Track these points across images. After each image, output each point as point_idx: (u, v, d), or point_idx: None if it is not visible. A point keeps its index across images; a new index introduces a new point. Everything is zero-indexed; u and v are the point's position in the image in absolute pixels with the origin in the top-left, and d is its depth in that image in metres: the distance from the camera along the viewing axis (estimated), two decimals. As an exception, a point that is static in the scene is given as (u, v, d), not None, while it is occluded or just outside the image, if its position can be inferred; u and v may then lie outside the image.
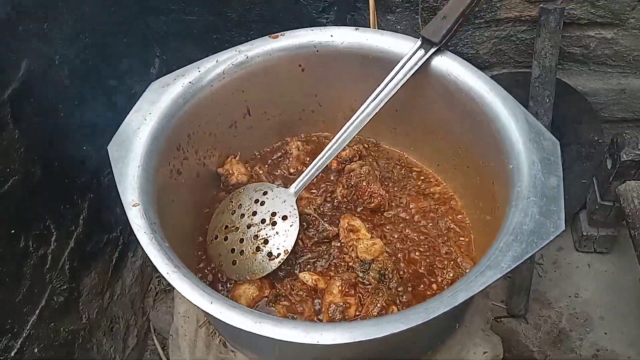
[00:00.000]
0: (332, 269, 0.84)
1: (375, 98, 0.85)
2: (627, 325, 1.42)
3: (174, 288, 0.60)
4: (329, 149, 0.84)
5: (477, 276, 0.59)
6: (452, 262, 0.83)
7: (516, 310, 1.44)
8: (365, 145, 1.01)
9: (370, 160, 0.97)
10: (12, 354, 0.95)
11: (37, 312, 1.01)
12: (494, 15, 1.30)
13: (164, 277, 0.60)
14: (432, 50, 0.84)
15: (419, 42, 0.85)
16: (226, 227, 0.86)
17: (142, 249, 0.65)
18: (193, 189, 0.87)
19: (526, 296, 1.43)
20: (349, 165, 0.95)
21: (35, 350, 1.01)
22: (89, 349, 1.18)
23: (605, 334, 1.42)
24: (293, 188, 0.85)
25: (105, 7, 1.14)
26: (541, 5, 1.25)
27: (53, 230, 1.04)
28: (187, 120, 0.82)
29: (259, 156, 0.99)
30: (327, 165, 0.94)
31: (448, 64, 0.84)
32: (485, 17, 1.31)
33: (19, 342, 0.96)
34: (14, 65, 0.92)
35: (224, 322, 0.59)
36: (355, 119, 0.85)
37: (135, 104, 0.78)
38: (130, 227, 1.25)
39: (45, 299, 1.03)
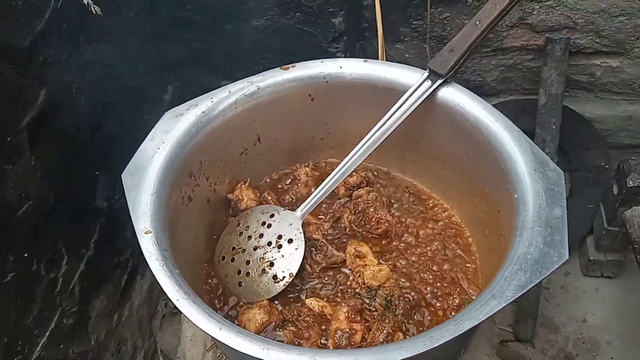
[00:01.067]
0: (339, 295, 0.85)
1: (382, 126, 0.87)
2: (634, 351, 1.41)
3: (182, 314, 0.61)
4: (336, 174, 0.86)
5: (482, 305, 0.60)
6: (458, 289, 0.84)
7: (523, 335, 1.44)
8: (374, 172, 1.03)
9: (378, 186, 0.99)
10: (23, 375, 0.96)
11: (47, 334, 1.03)
12: (500, 44, 1.32)
13: (173, 304, 0.62)
14: (439, 81, 0.86)
15: (426, 74, 0.87)
16: (233, 248, 0.88)
17: (153, 274, 0.66)
18: (203, 214, 0.89)
19: (533, 321, 1.42)
20: (356, 192, 0.96)
21: (45, 372, 1.02)
22: (98, 371, 1.19)
23: (612, 359, 1.41)
24: (299, 211, 0.87)
25: (121, 37, 1.18)
26: (547, 35, 1.28)
27: (65, 254, 1.06)
28: (199, 149, 0.84)
29: (268, 182, 1.01)
30: (335, 192, 0.96)
31: (454, 95, 0.86)
32: (492, 46, 1.33)
33: (30, 364, 0.98)
34: (33, 93, 0.95)
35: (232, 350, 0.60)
36: (363, 146, 0.87)
37: (149, 132, 0.80)
38: (140, 250, 1.28)
39: (55, 321, 1.05)
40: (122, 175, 0.76)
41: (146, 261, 1.22)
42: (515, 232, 0.68)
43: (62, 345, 1.07)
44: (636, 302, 1.49)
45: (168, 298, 0.62)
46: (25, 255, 0.96)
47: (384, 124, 0.87)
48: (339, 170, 0.87)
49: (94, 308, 1.17)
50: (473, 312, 0.60)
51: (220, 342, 0.58)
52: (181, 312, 0.61)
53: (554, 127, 1.29)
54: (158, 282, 0.63)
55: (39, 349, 1.00)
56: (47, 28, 0.97)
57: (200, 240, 0.89)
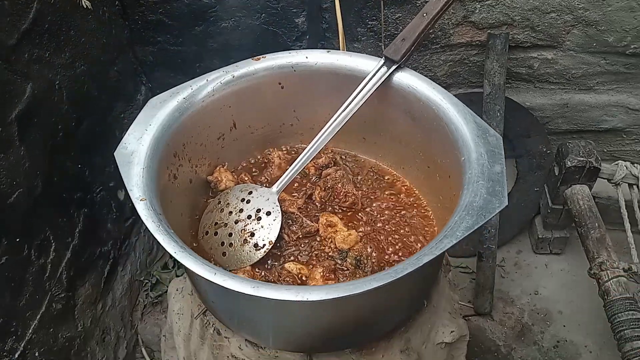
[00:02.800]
0: (314, 259, 0.94)
1: (345, 109, 0.97)
2: (583, 318, 1.55)
3: (182, 266, 0.69)
4: (306, 153, 0.96)
5: (436, 243, 0.71)
6: (419, 246, 0.95)
7: (482, 309, 1.56)
8: (341, 156, 1.13)
9: (344, 166, 1.09)
10: (16, 355, 1.01)
11: (38, 317, 1.08)
12: (447, 40, 1.46)
13: (172, 257, 0.70)
14: (393, 67, 0.98)
15: (382, 61, 0.98)
16: (216, 223, 0.96)
17: (155, 238, 0.73)
18: (187, 193, 0.97)
19: (490, 295, 1.55)
20: (325, 171, 1.07)
21: (36, 354, 1.07)
22: (84, 357, 1.24)
23: (564, 326, 1.55)
24: (275, 187, 0.96)
25: (99, 37, 1.26)
26: (489, 31, 1.43)
27: (52, 241, 1.13)
28: (181, 132, 0.92)
29: (244, 166, 1.10)
30: (306, 172, 1.06)
31: (407, 79, 0.97)
32: (440, 43, 1.47)
33: (22, 345, 1.03)
34: (21, 88, 1.02)
35: (224, 296, 0.69)
36: (328, 127, 0.97)
37: (135, 117, 0.88)
38: (121, 242, 1.35)
39: (45, 305, 1.11)
40: (114, 153, 0.83)
41: (128, 254, 1.30)
42: (463, 187, 0.80)
43: (51, 330, 1.12)
44: (582, 275, 1.62)
45: (166, 251, 0.70)
46: (17, 240, 1.02)
47: (346, 107, 0.97)
48: (309, 149, 0.96)
49: (79, 295, 1.23)
50: (430, 249, 0.70)
51: (216, 285, 0.67)
52: (180, 263, 0.69)
53: (498, 114, 1.43)
54: (156, 240, 0.71)
55: (30, 331, 1.06)
56: (32, 27, 1.04)
57: (184, 218, 0.97)
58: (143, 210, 0.75)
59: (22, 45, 1.02)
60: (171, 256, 0.72)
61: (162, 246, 0.71)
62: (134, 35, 1.39)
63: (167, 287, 1.49)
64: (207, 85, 0.96)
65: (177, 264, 1.56)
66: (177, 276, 1.52)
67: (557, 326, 1.55)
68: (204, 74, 1.43)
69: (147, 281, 1.51)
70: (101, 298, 1.32)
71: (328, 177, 1.05)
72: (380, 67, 0.98)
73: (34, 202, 1.06)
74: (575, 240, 1.64)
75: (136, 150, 0.84)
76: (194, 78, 1.47)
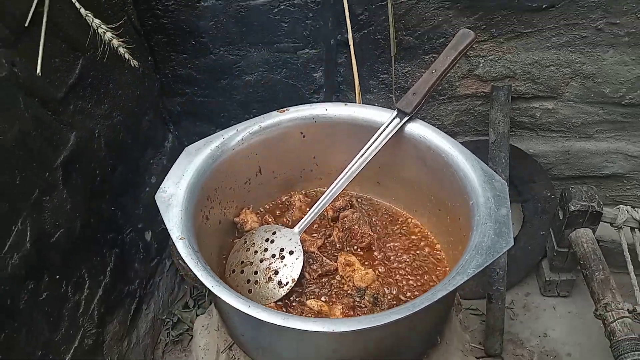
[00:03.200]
0: (334, 296, 1.01)
1: (361, 157, 1.06)
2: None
3: (217, 299, 0.76)
4: (325, 197, 1.04)
5: (449, 280, 0.77)
6: (432, 286, 1.01)
7: (492, 350, 1.60)
8: (357, 199, 1.21)
9: (360, 208, 1.17)
10: (51, 388, 1.07)
11: (71, 351, 1.15)
12: (454, 92, 1.57)
13: (209, 290, 0.77)
14: (406, 118, 1.07)
15: (394, 113, 1.08)
16: (242, 262, 1.03)
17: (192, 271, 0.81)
18: (216, 234, 1.05)
19: (500, 336, 1.59)
20: (342, 213, 1.14)
21: (68, 387, 1.13)
22: (110, 393, 1.29)
23: (573, 368, 1.58)
24: (297, 228, 1.04)
25: (133, 90, 1.37)
26: (492, 83, 1.53)
27: (87, 279, 1.20)
28: (214, 177, 1.01)
29: (267, 208, 1.18)
30: (324, 214, 1.14)
31: (419, 129, 1.06)
32: (447, 94, 1.57)
33: (56, 378, 1.09)
34: (66, 137, 1.12)
35: (254, 328, 0.76)
36: (346, 173, 1.05)
37: (163, 163, 0.97)
38: (146, 282, 1.41)
39: (78, 340, 1.17)
40: (155, 196, 0.92)
41: (152, 292, 1.37)
42: (472, 229, 0.87)
43: (82, 364, 1.18)
44: (590, 317, 1.66)
45: (204, 286, 0.77)
46: (57, 277, 1.09)
47: (362, 155, 1.06)
48: (328, 193, 1.05)
49: (108, 332, 1.29)
50: (443, 285, 0.77)
51: (248, 317, 0.74)
52: (216, 296, 0.76)
53: (503, 160, 1.52)
54: (194, 274, 0.79)
55: (64, 364, 1.12)
56: (77, 82, 1.15)
57: (213, 257, 1.04)
58: (182, 248, 0.83)
59: (69, 98, 1.13)
60: (207, 291, 0.79)
61: (201, 281, 0.79)
62: (164, 88, 1.50)
63: (188, 325, 1.56)
64: (237, 135, 1.06)
65: (198, 304, 1.62)
66: (198, 315, 1.58)
67: (566, 368, 1.59)
68: (227, 123, 1.54)
69: (168, 320, 1.57)
70: (127, 335, 1.38)
71: (345, 219, 1.12)
72: (394, 118, 1.07)
73: (72, 242, 1.14)
74: (582, 283, 1.69)
75: (174, 193, 0.92)
76: (218, 127, 1.59)
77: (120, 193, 1.33)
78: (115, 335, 1.32)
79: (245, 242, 1.07)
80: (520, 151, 1.64)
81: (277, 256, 1.02)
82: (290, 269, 1.00)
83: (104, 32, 0.90)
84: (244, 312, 0.74)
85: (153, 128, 1.49)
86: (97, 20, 0.91)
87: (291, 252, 1.02)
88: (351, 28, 1.29)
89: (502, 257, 1.55)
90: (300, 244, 1.03)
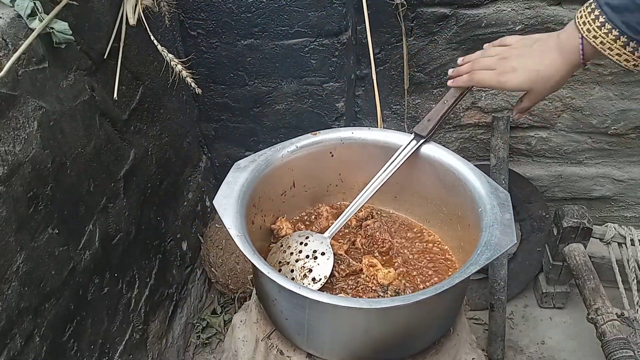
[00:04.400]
0: (360, 292, 1.17)
1: (382, 174, 1.23)
2: (585, 365, 1.74)
3: (268, 286, 0.92)
4: (352, 207, 1.20)
5: (464, 269, 0.94)
6: (445, 285, 1.17)
7: (495, 356, 1.74)
8: (377, 211, 1.38)
9: (380, 218, 1.34)
10: (105, 375, 1.21)
11: (123, 343, 1.29)
12: (459, 121, 1.76)
13: (268, 277, 0.93)
14: (422, 141, 1.25)
15: (412, 136, 1.26)
16: (280, 262, 1.19)
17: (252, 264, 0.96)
18: (258, 237, 1.21)
19: (502, 343, 1.74)
20: (365, 222, 1.31)
21: (120, 376, 1.27)
22: (151, 385, 1.42)
23: (569, 372, 1.73)
24: (327, 233, 1.20)
25: (178, 115, 1.55)
26: (493, 114, 1.72)
27: (137, 279, 1.35)
28: (258, 187, 1.18)
29: (299, 217, 1.35)
30: (348, 223, 1.31)
31: (433, 150, 1.24)
32: (452, 123, 1.76)
33: (112, 365, 1.23)
34: (127, 153, 1.30)
35: (301, 308, 0.92)
36: (370, 187, 1.21)
37: (226, 174, 1.14)
38: (182, 286, 1.57)
39: (129, 333, 1.31)
40: (214, 202, 1.08)
41: (185, 298, 1.52)
42: (481, 230, 1.04)
43: (131, 356, 1.32)
44: (583, 326, 1.81)
45: (262, 274, 0.93)
46: (115, 275, 1.25)
47: (383, 172, 1.23)
48: (354, 204, 1.21)
49: (151, 330, 1.43)
50: (460, 273, 0.94)
51: (301, 297, 0.89)
52: (275, 282, 0.92)
53: (503, 182, 1.70)
54: (254, 265, 0.95)
55: (117, 354, 1.26)
56: (137, 106, 1.33)
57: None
58: (241, 243, 0.99)
59: (130, 120, 1.31)
60: (255, 282, 0.95)
61: (258, 269, 0.95)
62: (202, 114, 1.68)
63: (216, 330, 1.70)
64: (278, 152, 1.23)
65: (225, 311, 1.77)
66: (225, 321, 1.73)
67: (562, 373, 1.73)
68: (256, 146, 1.73)
69: (198, 324, 1.71)
70: (165, 334, 1.52)
71: (368, 227, 1.29)
72: (411, 141, 1.25)
73: (128, 245, 1.30)
74: (576, 296, 1.85)
75: (229, 200, 1.09)
76: (247, 150, 1.77)
77: (164, 205, 1.49)
78: (156, 333, 1.46)
79: (282, 245, 1.23)
80: (518, 175, 1.82)
81: (310, 257, 1.18)
82: (322, 268, 1.16)
83: (176, 65, 1.08)
84: (295, 292, 0.90)
85: (191, 149, 1.67)
86: (170, 55, 1.09)
87: (322, 254, 1.18)
88: (369, 65, 1.49)
89: (503, 269, 1.71)
90: (330, 246, 1.19)
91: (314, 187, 1.35)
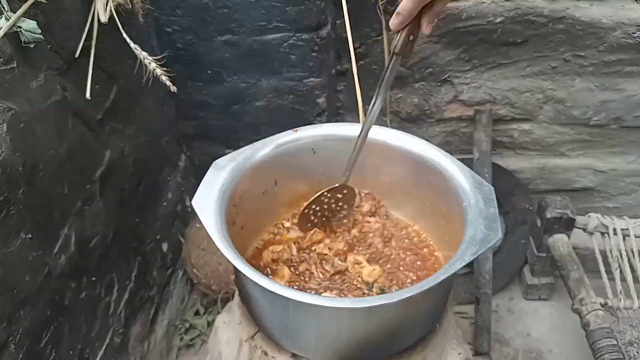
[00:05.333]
0: (345, 290, 1.15)
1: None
2: (570, 355, 1.73)
3: (248, 286, 0.90)
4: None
5: (449, 266, 0.93)
6: (430, 280, 1.16)
7: (481, 349, 1.74)
8: (383, 209, 1.34)
9: (383, 220, 1.30)
10: (86, 380, 1.18)
11: (103, 347, 1.26)
12: (441, 115, 1.75)
13: (249, 279, 0.91)
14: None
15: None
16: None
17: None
18: (240, 237, 1.18)
19: (488, 335, 1.74)
20: (368, 217, 1.28)
21: (101, 382, 1.24)
22: (134, 391, 1.39)
23: (554, 364, 1.73)
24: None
25: (155, 114, 1.51)
26: (475, 107, 1.71)
27: (116, 282, 1.32)
28: (238, 187, 1.15)
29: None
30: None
31: (415, 145, 1.23)
32: (435, 117, 1.75)
33: (92, 371, 1.20)
34: (102, 153, 1.26)
35: (284, 309, 0.90)
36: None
37: (205, 173, 1.11)
38: (163, 288, 1.53)
39: (108, 337, 1.28)
40: (192, 202, 1.05)
41: (167, 300, 1.49)
42: (466, 225, 1.03)
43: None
44: (568, 317, 1.82)
45: (244, 276, 0.91)
46: (93, 279, 1.21)
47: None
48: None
49: (132, 333, 1.40)
50: (445, 270, 0.92)
51: (282, 296, 0.87)
52: (257, 284, 0.89)
53: (486, 175, 1.69)
54: (235, 267, 0.93)
55: (98, 359, 1.23)
56: (112, 105, 1.29)
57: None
58: (220, 243, 0.97)
59: (105, 120, 1.27)
60: (237, 287, 0.93)
61: (240, 270, 0.92)
62: (180, 112, 1.65)
63: (199, 331, 1.67)
64: (258, 151, 1.20)
65: (208, 312, 1.74)
66: (208, 322, 1.70)
67: (548, 364, 1.74)
68: (237, 143, 1.69)
69: (181, 326, 1.68)
70: (147, 337, 1.49)
71: (365, 223, 1.27)
72: None
73: (105, 248, 1.26)
74: (561, 288, 1.86)
75: (209, 200, 1.06)
76: (228, 147, 1.74)
77: (142, 206, 1.46)
78: (138, 336, 1.43)
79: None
80: (501, 168, 1.82)
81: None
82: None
83: (150, 63, 1.05)
84: (278, 294, 0.88)
85: (169, 148, 1.63)
86: (144, 53, 1.06)
87: None
88: (350, 60, 1.47)
89: (488, 262, 1.71)
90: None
91: (296, 185, 1.33)
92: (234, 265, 0.94)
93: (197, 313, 1.74)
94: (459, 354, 1.21)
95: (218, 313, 1.70)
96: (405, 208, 1.32)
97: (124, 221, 1.36)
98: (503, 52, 1.59)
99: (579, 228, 1.65)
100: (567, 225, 1.63)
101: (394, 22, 0.93)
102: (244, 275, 0.92)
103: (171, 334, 1.65)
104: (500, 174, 1.81)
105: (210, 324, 1.69)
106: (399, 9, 0.90)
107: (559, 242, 1.65)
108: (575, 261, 1.56)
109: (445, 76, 1.66)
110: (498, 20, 1.52)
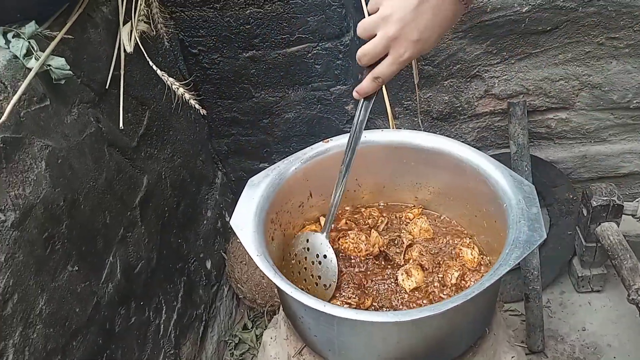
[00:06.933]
0: (391, 297, 1.14)
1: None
2: (631, 348, 1.67)
3: (294, 306, 0.90)
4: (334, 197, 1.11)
5: (494, 271, 0.90)
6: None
7: (535, 347, 1.69)
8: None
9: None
10: (140, 405, 1.20)
11: (156, 371, 1.28)
12: (473, 111, 1.71)
13: (289, 296, 0.91)
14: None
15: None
16: (292, 273, 1.16)
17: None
18: (279, 254, 1.19)
19: (541, 333, 1.69)
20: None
21: (155, 404, 1.26)
22: (188, 410, 1.42)
23: (614, 358, 1.66)
24: (323, 231, 1.13)
25: (188, 135, 1.54)
26: (508, 100, 1.67)
27: (163, 304, 1.34)
28: (274, 203, 1.15)
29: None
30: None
31: (451, 146, 1.20)
32: (467, 114, 1.71)
33: (145, 397, 1.22)
34: (140, 179, 1.28)
35: (329, 325, 0.89)
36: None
37: (241, 192, 1.12)
38: (208, 306, 1.55)
39: (161, 359, 1.30)
40: (230, 222, 1.06)
41: (215, 316, 1.49)
42: (508, 227, 1.00)
43: (165, 383, 1.31)
44: (624, 308, 1.76)
45: (285, 293, 0.91)
46: (141, 303, 1.24)
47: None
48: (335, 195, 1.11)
49: (182, 353, 1.42)
50: (489, 276, 0.90)
51: (329, 314, 0.87)
52: (300, 301, 0.89)
53: (526, 169, 1.65)
54: (276, 286, 0.93)
55: (151, 383, 1.25)
56: (145, 132, 1.32)
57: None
58: (261, 263, 0.97)
59: (140, 146, 1.29)
60: (280, 301, 0.93)
61: (281, 289, 0.92)
62: (212, 130, 1.67)
63: (249, 345, 1.69)
64: (291, 165, 1.20)
65: (255, 325, 1.75)
66: (257, 335, 1.71)
67: (608, 358, 1.67)
68: (269, 157, 1.70)
69: (231, 341, 1.70)
70: (198, 355, 1.51)
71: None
72: None
73: (151, 272, 1.29)
74: (613, 278, 1.79)
75: (246, 219, 1.07)
76: (261, 162, 1.75)
77: (184, 226, 1.48)
78: (189, 355, 1.45)
79: (290, 254, 1.20)
80: (540, 159, 1.77)
81: (315, 262, 1.13)
82: (328, 273, 1.10)
83: (177, 88, 1.07)
84: (320, 311, 0.88)
85: (205, 167, 1.65)
86: (171, 79, 1.08)
87: (325, 256, 1.12)
88: (377, 62, 1.45)
89: (535, 258, 1.66)
90: (330, 246, 1.11)
91: (332, 195, 1.33)
92: (275, 284, 0.94)
93: (245, 327, 1.76)
94: (512, 357, 1.18)
95: (265, 326, 1.71)
96: (443, 209, 1.30)
97: (166, 243, 1.38)
98: (532, 42, 1.54)
99: (628, 214, 1.58)
100: (615, 212, 1.56)
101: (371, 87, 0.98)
102: (286, 292, 0.92)
103: (221, 350, 1.67)
104: (540, 166, 1.76)
105: (258, 338, 1.70)
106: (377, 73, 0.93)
107: (608, 230, 1.58)
108: (627, 249, 1.50)
109: (475, 71, 1.62)
110: (525, 9, 1.48)
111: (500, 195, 1.08)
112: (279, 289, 0.98)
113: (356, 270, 1.17)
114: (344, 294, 1.12)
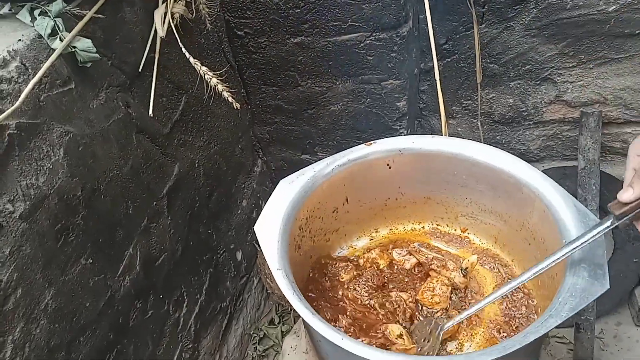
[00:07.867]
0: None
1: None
2: (691, 398, 1.50)
3: (311, 329, 0.81)
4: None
5: (542, 322, 0.78)
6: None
7: (581, 382, 1.55)
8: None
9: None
10: (150, 401, 1.17)
11: (171, 365, 1.24)
12: (540, 117, 1.54)
13: (304, 319, 0.82)
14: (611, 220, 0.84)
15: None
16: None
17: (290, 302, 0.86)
18: (304, 265, 1.10)
19: (589, 367, 1.54)
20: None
21: (167, 401, 1.22)
22: (204, 405, 1.38)
23: (670, 404, 1.50)
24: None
25: (229, 122, 1.46)
26: (581, 109, 1.49)
27: (185, 297, 1.29)
28: (306, 208, 1.07)
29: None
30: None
31: (509, 165, 1.07)
32: (533, 120, 1.55)
33: (158, 392, 1.18)
34: (170, 168, 1.22)
35: (347, 356, 0.80)
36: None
37: (270, 196, 1.04)
38: (236, 299, 1.49)
39: (177, 355, 1.26)
40: (254, 228, 0.98)
41: (241, 309, 1.43)
42: (566, 269, 0.87)
43: (180, 378, 1.27)
44: (689, 351, 1.58)
45: (299, 315, 0.83)
46: (161, 296, 1.19)
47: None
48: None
49: (202, 347, 1.38)
50: (536, 327, 0.78)
51: (343, 349, 0.78)
52: (311, 326, 0.81)
53: (594, 187, 1.47)
54: (290, 305, 0.84)
55: (165, 378, 1.21)
56: (180, 117, 1.25)
57: (300, 284, 1.10)
58: (280, 278, 0.89)
59: (173, 133, 1.23)
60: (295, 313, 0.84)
61: (296, 310, 0.84)
62: (255, 117, 1.59)
63: (273, 341, 1.63)
64: (327, 167, 1.11)
65: (283, 321, 1.69)
66: (283, 332, 1.65)
67: (662, 404, 1.51)
68: (312, 149, 1.60)
69: (255, 335, 1.64)
70: (218, 349, 1.46)
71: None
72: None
73: (174, 264, 1.24)
74: (680, 315, 1.60)
75: (272, 224, 0.99)
76: (303, 153, 1.66)
77: (215, 216, 1.42)
78: (208, 350, 1.41)
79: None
80: (611, 177, 1.58)
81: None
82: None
83: (210, 79, 0.98)
84: (339, 346, 0.79)
85: (244, 155, 1.58)
86: (204, 68, 0.99)
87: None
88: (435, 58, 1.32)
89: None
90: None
91: (371, 202, 1.22)
92: (290, 304, 0.86)
93: (272, 322, 1.70)
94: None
95: (293, 324, 1.65)
96: (492, 232, 1.17)
97: (195, 234, 1.33)
98: (617, 46, 1.36)
99: None
100: (692, 248, 1.38)
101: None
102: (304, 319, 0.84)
103: (245, 343, 1.62)
104: (610, 185, 1.57)
105: (284, 335, 1.64)
106: None
107: (682, 266, 1.40)
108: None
109: (546, 74, 1.45)
110: (611, 8, 1.29)
111: (560, 228, 0.94)
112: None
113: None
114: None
